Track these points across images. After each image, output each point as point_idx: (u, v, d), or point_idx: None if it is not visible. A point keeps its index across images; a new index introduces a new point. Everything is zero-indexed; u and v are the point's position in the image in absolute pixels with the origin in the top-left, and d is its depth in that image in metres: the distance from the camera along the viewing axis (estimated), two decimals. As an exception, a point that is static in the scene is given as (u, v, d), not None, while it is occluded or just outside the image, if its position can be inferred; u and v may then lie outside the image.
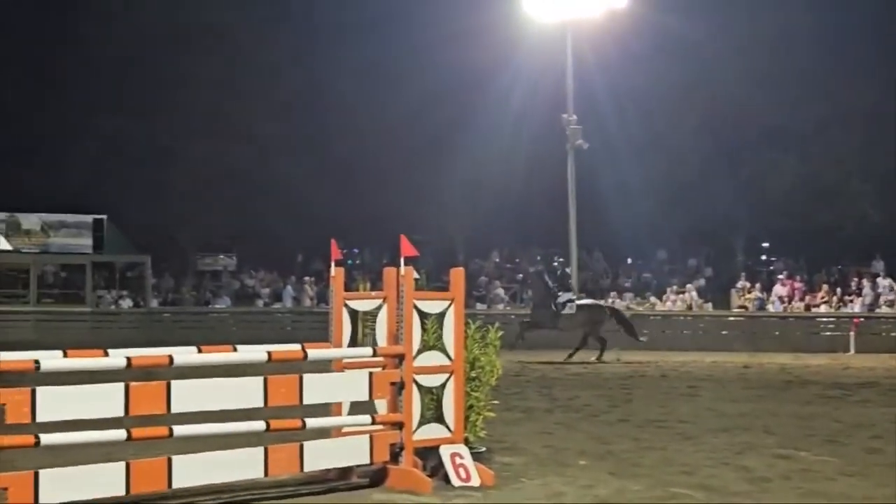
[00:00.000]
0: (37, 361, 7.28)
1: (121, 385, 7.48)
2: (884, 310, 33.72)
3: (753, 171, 41.69)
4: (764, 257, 45.29)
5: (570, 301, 27.28)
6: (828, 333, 32.45)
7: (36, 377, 7.25)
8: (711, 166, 41.26)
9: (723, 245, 43.71)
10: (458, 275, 9.09)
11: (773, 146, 41.40)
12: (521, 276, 40.37)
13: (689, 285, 38.51)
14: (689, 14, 39.65)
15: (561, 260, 30.91)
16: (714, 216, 41.68)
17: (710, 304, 37.29)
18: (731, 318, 35.36)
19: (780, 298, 36.10)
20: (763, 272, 41.45)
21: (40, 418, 7.12)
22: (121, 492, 7.43)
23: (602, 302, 30.83)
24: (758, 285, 37.51)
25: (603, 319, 27.83)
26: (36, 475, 7.09)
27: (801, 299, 35.97)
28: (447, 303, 8.89)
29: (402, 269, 8.76)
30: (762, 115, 40.53)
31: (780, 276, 37.85)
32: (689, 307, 36.82)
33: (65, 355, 7.60)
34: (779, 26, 39.43)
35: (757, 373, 22.57)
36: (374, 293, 9.18)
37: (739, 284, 37.79)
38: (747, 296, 36.95)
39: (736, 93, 40.43)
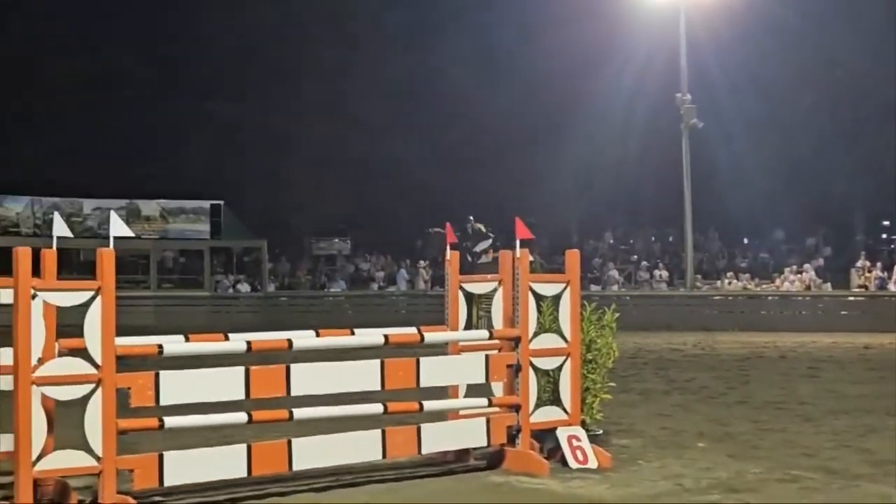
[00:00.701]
0: (160, 346, 7.44)
1: (241, 369, 7.60)
2: None
3: (872, 148, 40.86)
4: (884, 236, 44.34)
5: None
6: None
7: (159, 361, 7.40)
8: (828, 144, 40.57)
9: (842, 224, 42.93)
10: (573, 258, 9.06)
11: (892, 122, 40.47)
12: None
13: (807, 265, 37.94)
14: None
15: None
16: (832, 194, 41.05)
17: (828, 284, 36.68)
18: (851, 298, 34.69)
19: (903, 277, 35.40)
20: (884, 251, 40.58)
21: (164, 401, 7.26)
22: (242, 473, 7.55)
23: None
24: (878, 264, 36.76)
25: None
26: (160, 457, 7.22)
27: (926, 278, 35.23)
28: (563, 285, 8.87)
29: (518, 252, 8.77)
30: (880, 90, 39.69)
31: (902, 255, 37.17)
32: (808, 287, 36.29)
33: (187, 340, 7.75)
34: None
35: (878, 353, 22.11)
36: (489, 276, 9.16)
37: (859, 264, 37.03)
38: (867, 275, 36.26)
39: (853, 68, 39.70)
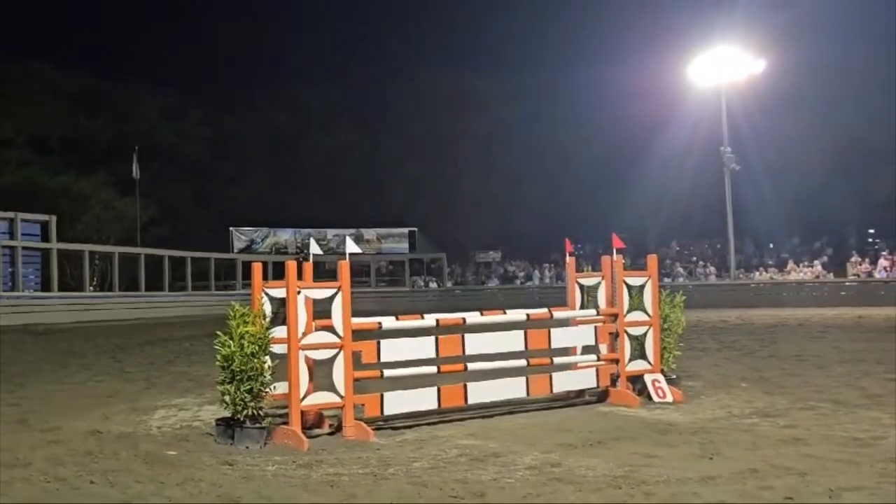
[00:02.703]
0: (380, 323, 7.56)
1: (433, 337, 7.67)
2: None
3: (860, 181, 39.55)
4: (870, 240, 42.42)
5: None
6: (921, 292, 30.11)
7: (379, 332, 7.52)
8: (829, 178, 39.27)
9: (839, 232, 41.42)
10: (652, 260, 8.96)
11: (876, 163, 39.12)
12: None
13: (815, 261, 36.82)
14: (810, 70, 38.04)
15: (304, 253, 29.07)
16: (832, 212, 39.83)
17: (831, 274, 35.43)
18: (847, 284, 33.35)
19: (884, 268, 33.92)
20: (870, 251, 38.84)
21: (383, 360, 7.38)
22: (434, 406, 7.62)
23: None
24: (866, 260, 35.42)
25: None
26: (381, 396, 7.34)
27: (899, 269, 33.82)
28: (646, 278, 8.76)
29: (614, 256, 8.70)
30: (867, 139, 38.38)
31: (883, 253, 35.53)
32: (816, 276, 35.19)
33: (397, 318, 7.86)
34: (884, 74, 37.20)
35: (868, 321, 21.15)
36: (595, 273, 9.09)
37: (852, 259, 35.71)
38: (858, 267, 34.96)
39: (848, 122, 38.41)
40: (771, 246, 42.54)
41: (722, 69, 36.08)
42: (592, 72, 42.52)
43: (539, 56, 46.96)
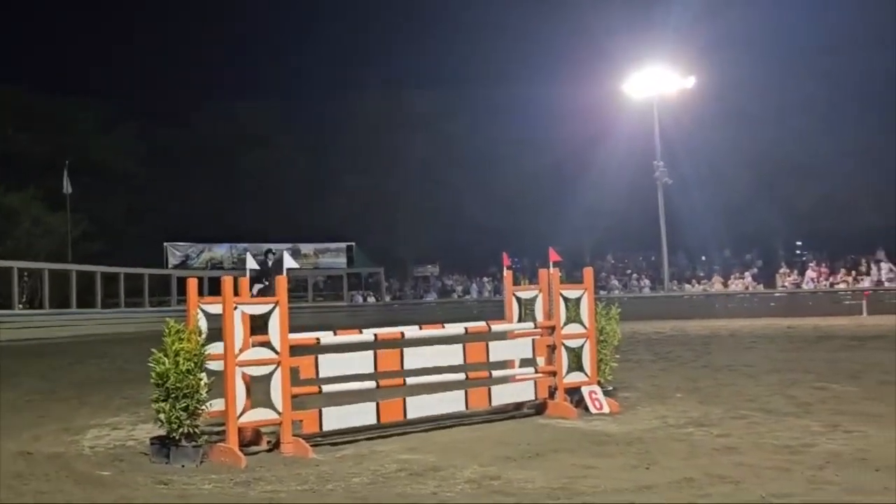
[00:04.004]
0: (318, 338, 7.51)
1: (371, 352, 7.64)
2: (886, 285, 32.08)
3: (786, 194, 40.53)
4: (798, 252, 43.43)
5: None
6: (847, 302, 30.80)
7: (317, 348, 7.46)
8: (757, 192, 40.13)
9: (768, 245, 42.33)
10: (588, 273, 9.05)
11: (798, 178, 40.20)
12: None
13: (746, 273, 37.53)
14: (736, 87, 39.02)
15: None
16: (761, 225, 40.69)
17: (761, 285, 36.14)
18: (777, 294, 34.06)
19: (812, 279, 34.74)
20: (798, 262, 39.75)
21: (322, 375, 7.33)
22: (373, 421, 7.59)
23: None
24: (794, 272, 36.24)
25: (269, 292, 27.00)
26: (320, 412, 7.29)
27: (826, 279, 34.55)
28: (582, 291, 8.84)
29: (551, 270, 8.77)
30: (792, 152, 39.40)
31: (811, 264, 36.40)
32: (747, 288, 35.85)
33: (335, 334, 7.81)
34: (805, 91, 38.29)
35: (797, 331, 21.66)
36: (532, 286, 9.15)
37: (781, 270, 36.50)
38: (787, 279, 35.74)
39: (772, 137, 39.44)
40: (703, 258, 43.30)
41: (654, 86, 36.92)
42: (531, 89, 42.92)
43: (478, 73, 47.18)
